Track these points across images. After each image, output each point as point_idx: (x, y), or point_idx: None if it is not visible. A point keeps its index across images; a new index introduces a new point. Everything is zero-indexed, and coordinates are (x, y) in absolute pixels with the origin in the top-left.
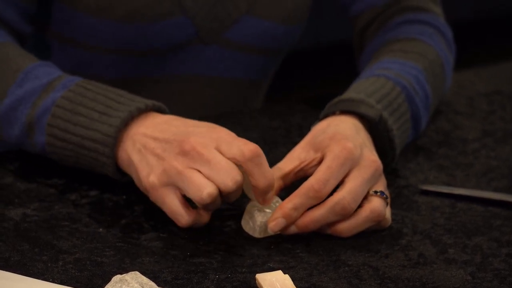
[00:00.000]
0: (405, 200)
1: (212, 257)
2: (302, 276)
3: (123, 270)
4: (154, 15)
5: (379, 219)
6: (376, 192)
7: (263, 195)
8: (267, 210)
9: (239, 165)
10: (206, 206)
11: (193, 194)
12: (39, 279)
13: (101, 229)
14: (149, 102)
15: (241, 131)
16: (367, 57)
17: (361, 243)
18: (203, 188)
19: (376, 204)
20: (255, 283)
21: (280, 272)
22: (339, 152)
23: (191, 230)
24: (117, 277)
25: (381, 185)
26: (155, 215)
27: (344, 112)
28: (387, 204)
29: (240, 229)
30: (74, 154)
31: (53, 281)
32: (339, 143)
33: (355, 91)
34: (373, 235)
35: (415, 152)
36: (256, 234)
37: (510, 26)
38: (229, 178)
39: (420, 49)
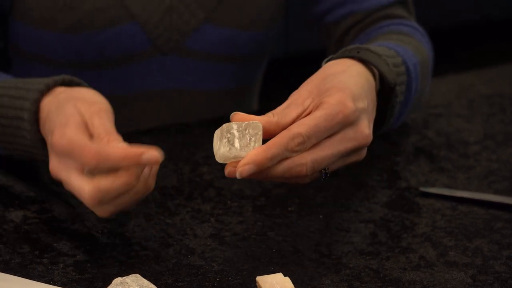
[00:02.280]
0: (405, 202)
1: (213, 260)
2: (303, 278)
3: (124, 273)
4: (100, 22)
5: (297, 181)
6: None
7: None
8: (236, 145)
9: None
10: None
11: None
12: (39, 281)
13: (101, 231)
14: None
15: None
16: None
17: (362, 245)
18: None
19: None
20: (255, 285)
21: (280, 274)
22: (335, 114)
23: (191, 232)
24: (117, 280)
25: (353, 159)
26: (156, 216)
27: (363, 62)
28: (319, 177)
29: (240, 231)
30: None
31: (53, 284)
32: (341, 101)
33: (375, 47)
34: (373, 238)
35: (416, 154)
36: (216, 158)
37: (510, 28)
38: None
39: (416, 44)
